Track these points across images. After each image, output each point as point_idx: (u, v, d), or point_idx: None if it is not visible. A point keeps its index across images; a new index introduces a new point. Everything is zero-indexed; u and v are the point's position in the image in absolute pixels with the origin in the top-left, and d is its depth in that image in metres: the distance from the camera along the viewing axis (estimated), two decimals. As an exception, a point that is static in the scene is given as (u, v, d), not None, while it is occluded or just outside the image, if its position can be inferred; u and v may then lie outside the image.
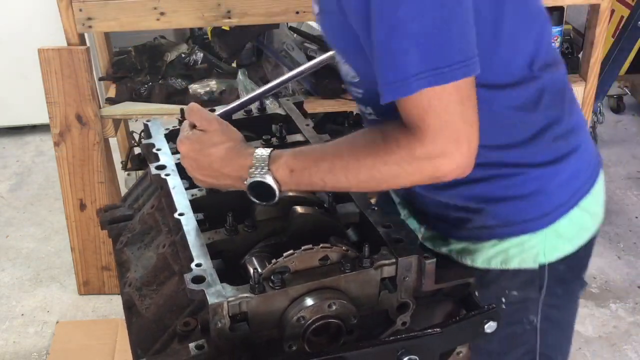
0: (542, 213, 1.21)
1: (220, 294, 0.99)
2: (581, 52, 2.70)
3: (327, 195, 1.25)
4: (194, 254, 1.08)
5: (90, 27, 2.37)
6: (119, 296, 1.22)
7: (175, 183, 1.25)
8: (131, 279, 1.20)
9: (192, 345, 1.00)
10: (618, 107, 3.92)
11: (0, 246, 3.05)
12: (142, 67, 2.72)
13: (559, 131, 1.20)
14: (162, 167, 1.29)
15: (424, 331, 1.07)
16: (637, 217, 3.13)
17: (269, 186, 1.08)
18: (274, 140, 1.37)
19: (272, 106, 1.51)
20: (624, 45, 3.16)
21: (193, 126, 1.17)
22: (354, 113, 2.78)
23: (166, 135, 1.40)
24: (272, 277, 1.02)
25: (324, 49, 2.54)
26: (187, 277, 1.02)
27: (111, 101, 2.59)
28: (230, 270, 1.12)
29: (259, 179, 1.08)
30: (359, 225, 1.22)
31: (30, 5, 3.52)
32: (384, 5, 0.98)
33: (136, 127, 2.97)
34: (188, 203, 1.20)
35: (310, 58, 2.61)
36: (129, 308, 1.16)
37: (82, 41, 2.42)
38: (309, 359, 1.03)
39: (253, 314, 1.01)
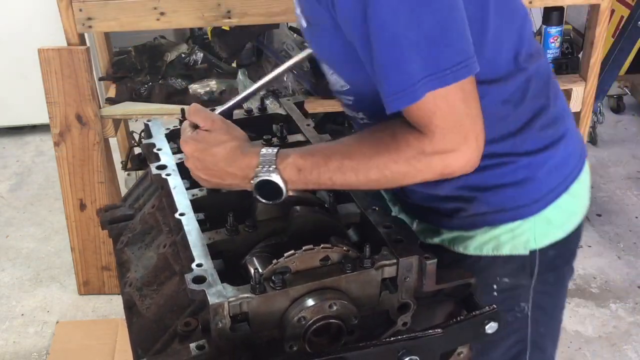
0: (533, 199, 1.24)
1: (221, 294, 0.99)
2: (581, 52, 2.70)
3: (327, 195, 1.25)
4: (194, 254, 1.08)
5: (90, 27, 2.37)
6: (119, 296, 1.22)
7: (176, 183, 1.25)
8: (132, 279, 1.20)
9: (192, 345, 1.00)
10: (618, 107, 3.92)
11: (0, 246, 3.05)
12: (142, 67, 2.72)
13: (546, 119, 1.23)
14: (163, 167, 1.29)
15: (425, 332, 1.07)
16: (637, 217, 3.13)
17: (276, 185, 1.09)
18: (274, 140, 1.37)
19: (272, 106, 1.51)
20: (624, 45, 3.16)
21: (195, 126, 1.16)
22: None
23: (167, 135, 1.40)
24: (272, 278, 1.02)
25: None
26: (188, 277, 1.02)
27: (111, 101, 2.59)
28: (231, 270, 1.12)
29: (266, 178, 1.09)
30: (360, 226, 1.22)
31: (30, 5, 3.52)
32: (383, 18, 0.99)
33: (136, 127, 2.97)
34: (189, 203, 1.20)
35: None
36: (130, 308, 1.16)
37: (82, 41, 2.42)
38: (309, 359, 1.03)
39: (254, 314, 1.01)
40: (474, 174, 1.13)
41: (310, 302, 1.02)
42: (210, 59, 2.76)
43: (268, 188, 1.09)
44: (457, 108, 1.03)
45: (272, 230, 1.17)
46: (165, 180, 1.26)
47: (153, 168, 1.29)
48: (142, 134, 1.51)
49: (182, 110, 1.39)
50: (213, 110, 1.29)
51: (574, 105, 2.68)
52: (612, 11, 3.41)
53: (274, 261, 1.03)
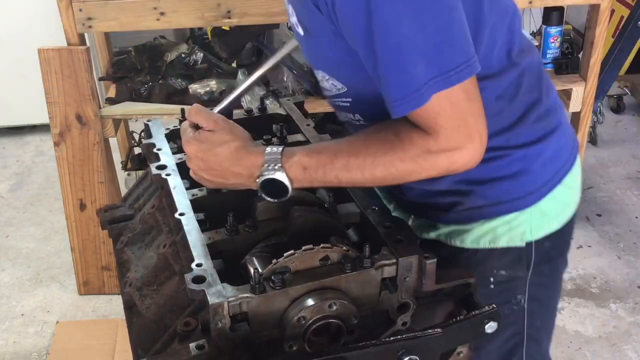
0: (528, 191, 1.26)
1: (220, 294, 0.99)
2: (581, 52, 2.70)
3: (327, 195, 1.25)
4: (194, 254, 1.08)
5: (90, 27, 2.37)
6: (119, 296, 1.22)
7: (175, 183, 1.25)
8: (132, 279, 1.20)
9: (192, 345, 1.00)
10: (618, 107, 3.92)
11: (0, 246, 3.05)
12: (142, 67, 2.72)
13: (540, 112, 1.25)
14: (163, 167, 1.29)
15: (425, 331, 1.07)
16: (637, 217, 3.13)
17: (282, 183, 1.10)
18: (274, 140, 1.37)
19: (272, 106, 1.51)
20: (624, 45, 3.16)
21: (195, 127, 1.16)
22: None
23: (166, 135, 1.40)
24: (272, 277, 1.02)
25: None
26: (188, 277, 1.02)
27: (111, 101, 2.59)
28: (231, 270, 1.12)
29: (271, 176, 1.09)
30: (360, 226, 1.22)
31: (30, 5, 3.51)
32: (388, 24, 1.00)
33: (136, 127, 2.97)
34: (189, 203, 1.20)
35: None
36: (130, 308, 1.16)
37: (82, 41, 2.42)
38: (309, 359, 1.03)
39: (253, 314, 1.01)
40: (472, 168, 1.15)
41: (310, 301, 1.02)
42: (210, 59, 2.76)
43: (273, 186, 1.10)
44: (461, 107, 1.05)
45: (272, 230, 1.17)
46: (165, 180, 1.26)
47: (153, 168, 1.29)
48: (142, 134, 1.51)
49: (182, 110, 1.39)
50: (211, 110, 1.29)
51: (574, 105, 2.68)
52: (612, 11, 3.42)
53: (274, 261, 1.03)
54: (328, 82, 1.22)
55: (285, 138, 1.38)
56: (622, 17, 3.39)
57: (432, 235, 1.33)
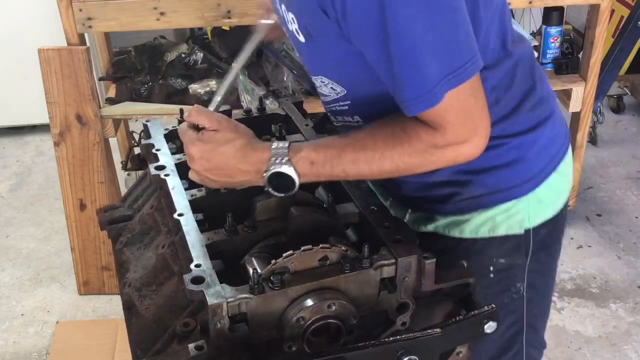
0: (525, 179, 1.28)
1: (219, 295, 0.99)
2: (581, 52, 2.70)
3: (326, 195, 1.25)
4: (193, 254, 1.08)
5: (90, 27, 2.37)
6: (119, 296, 1.22)
7: (174, 183, 1.25)
8: (131, 280, 1.20)
9: (191, 345, 1.00)
10: (618, 107, 3.92)
11: (0, 246, 3.05)
12: (142, 67, 2.72)
13: (534, 101, 1.27)
14: (162, 168, 1.29)
15: (424, 331, 1.07)
16: (637, 217, 3.13)
17: (289, 177, 1.11)
18: (273, 140, 1.37)
19: (271, 106, 1.51)
20: (624, 45, 3.16)
21: (196, 128, 1.16)
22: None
23: (166, 136, 1.40)
24: (271, 278, 1.02)
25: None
26: (187, 277, 1.02)
27: (111, 101, 2.59)
28: (230, 270, 1.12)
29: (279, 170, 1.11)
30: (359, 226, 1.22)
31: (30, 5, 3.51)
32: (401, 27, 1.01)
33: (136, 127, 2.97)
34: (187, 203, 1.20)
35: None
36: (129, 308, 1.16)
37: (82, 41, 2.42)
38: (308, 359, 1.03)
39: (252, 314, 1.01)
40: None
41: (309, 302, 1.02)
42: (210, 59, 2.76)
43: (280, 181, 1.12)
44: (467, 103, 1.08)
45: (271, 231, 1.17)
46: (164, 181, 1.26)
47: (152, 168, 1.29)
48: (142, 134, 1.51)
49: (182, 111, 1.39)
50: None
51: (574, 105, 2.68)
52: (612, 11, 3.41)
53: (273, 261, 1.03)
54: (327, 87, 1.23)
55: (284, 138, 1.38)
56: (622, 17, 3.39)
57: (430, 227, 1.34)
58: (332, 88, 1.22)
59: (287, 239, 1.15)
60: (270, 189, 1.12)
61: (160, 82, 2.64)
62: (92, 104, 2.45)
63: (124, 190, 2.77)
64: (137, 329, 1.12)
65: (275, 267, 1.03)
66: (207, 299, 0.98)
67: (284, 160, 1.10)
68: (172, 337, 1.05)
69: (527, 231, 1.31)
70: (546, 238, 1.34)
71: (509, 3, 2.42)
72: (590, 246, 2.96)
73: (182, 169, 1.25)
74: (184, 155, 1.25)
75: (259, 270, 1.03)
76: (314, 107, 2.46)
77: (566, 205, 1.38)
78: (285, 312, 1.03)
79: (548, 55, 2.74)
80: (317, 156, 1.12)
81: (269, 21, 1.43)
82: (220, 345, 1.00)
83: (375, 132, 1.13)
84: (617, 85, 3.74)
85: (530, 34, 3.02)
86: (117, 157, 2.87)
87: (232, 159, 1.12)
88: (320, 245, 1.05)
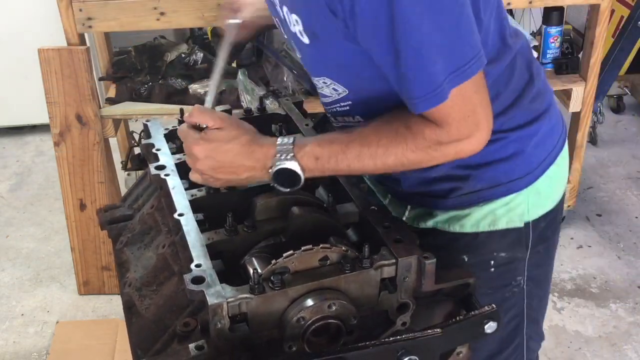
0: (525, 172, 1.29)
1: (219, 295, 0.99)
2: (581, 52, 2.70)
3: (326, 195, 1.25)
4: (193, 254, 1.08)
5: (90, 27, 2.37)
6: (119, 296, 1.22)
7: (174, 183, 1.25)
8: (131, 279, 1.20)
9: (192, 345, 1.00)
10: (618, 107, 3.92)
11: (0, 246, 3.05)
12: (142, 67, 2.72)
13: (532, 93, 1.28)
14: (162, 167, 1.29)
15: (424, 332, 1.07)
16: (637, 217, 3.13)
17: (294, 173, 1.12)
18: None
19: (272, 106, 1.51)
20: (624, 45, 3.16)
21: (198, 128, 1.15)
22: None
23: (166, 135, 1.40)
24: (271, 278, 1.02)
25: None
26: (187, 277, 1.02)
27: (111, 101, 2.59)
28: (230, 270, 1.12)
29: (285, 166, 1.12)
30: (359, 226, 1.22)
31: (30, 5, 3.51)
32: (409, 25, 1.02)
33: (136, 127, 2.97)
34: (188, 203, 1.20)
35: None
36: (129, 308, 1.16)
37: (82, 41, 2.42)
38: (309, 359, 1.03)
39: (253, 314, 1.01)
40: None
41: (309, 302, 1.02)
42: (210, 59, 2.76)
43: (286, 176, 1.13)
44: (472, 99, 1.09)
45: (271, 231, 1.17)
46: (164, 181, 1.26)
47: (152, 168, 1.29)
48: (142, 134, 1.51)
49: (182, 111, 1.39)
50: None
51: (574, 105, 2.68)
52: (612, 11, 3.41)
53: (273, 261, 1.03)
54: (329, 88, 1.24)
55: (286, 137, 1.38)
56: (622, 17, 3.39)
57: (430, 223, 1.34)
58: (334, 89, 1.23)
59: (288, 239, 1.15)
60: (275, 184, 1.14)
61: (160, 82, 2.64)
62: (92, 104, 2.45)
63: (124, 190, 2.77)
64: (138, 328, 1.12)
65: (275, 267, 1.03)
66: (208, 298, 0.98)
67: (289, 156, 1.12)
68: (173, 337, 1.04)
69: (527, 224, 1.32)
70: (545, 230, 1.36)
71: (508, 3, 2.44)
72: (590, 246, 2.96)
73: (182, 169, 1.25)
74: (184, 155, 1.25)
75: (259, 270, 1.03)
76: (314, 107, 2.46)
77: (563, 197, 1.40)
78: (286, 312, 1.03)
79: (548, 55, 2.74)
80: (321, 151, 1.13)
81: (237, 21, 1.44)
82: (221, 345, 1.00)
83: (379, 128, 1.14)
84: (617, 85, 3.74)
85: (530, 34, 3.02)
86: (117, 157, 2.87)
87: (238, 155, 1.13)
88: (321, 245, 1.05)
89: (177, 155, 1.33)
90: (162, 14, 2.34)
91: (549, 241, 1.40)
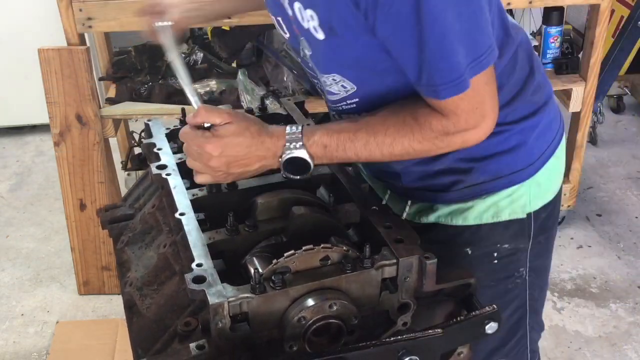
0: (527, 164, 1.31)
1: (221, 294, 0.99)
2: (581, 52, 2.70)
3: (327, 195, 1.25)
4: (194, 253, 1.08)
5: (90, 27, 2.36)
6: (119, 296, 1.22)
7: (176, 183, 1.25)
8: (132, 279, 1.20)
9: (192, 345, 1.00)
10: (618, 107, 3.92)
11: (0, 246, 3.05)
12: (142, 67, 2.72)
13: (533, 86, 1.30)
14: (163, 167, 1.29)
15: (425, 332, 1.07)
16: (637, 217, 3.13)
17: (304, 160, 1.14)
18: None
19: (272, 106, 1.51)
20: (624, 45, 3.16)
21: (201, 128, 1.15)
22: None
23: (167, 135, 1.40)
24: (272, 278, 1.02)
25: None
26: (188, 277, 1.02)
27: (111, 101, 2.59)
28: (231, 270, 1.12)
29: (294, 155, 1.14)
30: (360, 226, 1.22)
31: (30, 5, 3.51)
32: (434, 15, 1.03)
33: (136, 127, 2.97)
34: (189, 203, 1.20)
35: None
36: (130, 308, 1.16)
37: (82, 41, 2.42)
38: (309, 359, 1.03)
39: (254, 314, 1.01)
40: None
41: (310, 302, 1.02)
42: (210, 59, 2.76)
43: (295, 164, 1.15)
44: (482, 91, 1.11)
45: (272, 230, 1.17)
46: (166, 180, 1.26)
47: (153, 168, 1.29)
48: (143, 134, 1.50)
49: (183, 110, 1.39)
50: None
51: (574, 105, 2.68)
52: (612, 11, 3.41)
53: (274, 261, 1.03)
54: (337, 85, 1.24)
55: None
56: (622, 17, 3.39)
57: (432, 218, 1.35)
58: (342, 86, 1.23)
59: (289, 238, 1.15)
60: (285, 173, 1.16)
61: (160, 82, 2.64)
62: (92, 104, 2.45)
63: (124, 190, 2.77)
64: (138, 328, 1.11)
65: (276, 267, 1.03)
66: (209, 298, 0.98)
67: (298, 145, 1.14)
68: (173, 337, 1.04)
69: (529, 215, 1.33)
70: (546, 221, 1.37)
71: (508, 3, 2.44)
72: (590, 246, 2.96)
73: (184, 169, 1.25)
74: (184, 154, 1.24)
75: (260, 270, 1.03)
76: (314, 107, 2.46)
77: (561, 189, 1.42)
78: (287, 312, 1.03)
79: (548, 55, 2.74)
80: (330, 140, 1.15)
81: (167, 23, 1.42)
82: (221, 345, 1.00)
83: (387, 118, 1.16)
84: (617, 85, 3.74)
85: (530, 34, 3.02)
86: (117, 157, 2.87)
87: (251, 146, 1.14)
88: (322, 245, 1.05)
89: (179, 155, 1.33)
90: (162, 13, 2.34)
91: (549, 231, 1.41)
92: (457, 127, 1.13)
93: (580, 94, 2.65)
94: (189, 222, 1.15)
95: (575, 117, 2.75)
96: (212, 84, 2.61)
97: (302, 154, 1.14)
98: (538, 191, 1.33)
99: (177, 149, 1.37)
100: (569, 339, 2.50)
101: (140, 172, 2.50)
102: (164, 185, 1.26)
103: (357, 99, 1.25)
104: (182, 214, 1.17)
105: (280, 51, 2.71)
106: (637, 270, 2.82)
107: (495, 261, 1.35)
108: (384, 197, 1.42)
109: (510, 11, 3.19)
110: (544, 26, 2.74)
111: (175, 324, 1.05)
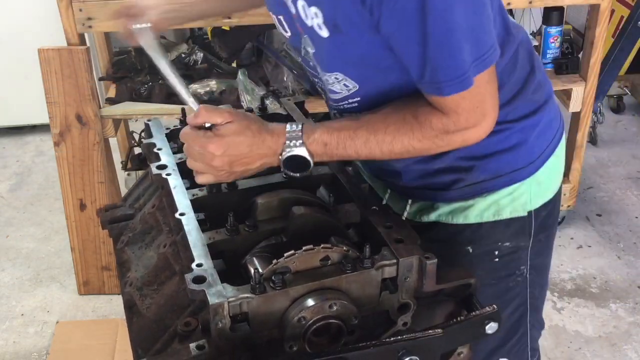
0: (527, 162, 1.31)
1: (221, 294, 0.99)
2: (581, 52, 2.70)
3: (327, 195, 1.25)
4: (194, 254, 1.08)
5: (90, 27, 2.36)
6: (119, 296, 1.22)
7: (176, 183, 1.25)
8: (132, 279, 1.20)
9: (192, 345, 1.00)
10: (618, 107, 3.92)
11: (0, 246, 3.05)
12: (142, 67, 2.72)
13: (534, 84, 1.30)
14: (163, 167, 1.29)
15: (425, 332, 1.07)
16: (637, 217, 3.13)
17: (304, 158, 1.15)
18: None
19: (272, 106, 1.51)
20: (624, 45, 3.16)
21: (202, 128, 1.15)
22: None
23: (167, 135, 1.40)
24: (272, 278, 1.02)
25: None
26: (188, 277, 1.02)
27: (111, 101, 2.59)
28: (231, 270, 1.12)
29: (295, 153, 1.14)
30: (360, 226, 1.22)
31: (30, 5, 3.51)
32: (440, 11, 1.04)
33: (136, 127, 2.97)
34: (189, 203, 1.20)
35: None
36: (130, 308, 1.16)
37: (82, 41, 2.42)
38: (309, 359, 1.03)
39: (254, 314, 1.01)
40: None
41: (310, 302, 1.02)
42: (210, 59, 2.76)
43: (296, 162, 1.15)
44: (483, 90, 1.12)
45: (272, 230, 1.17)
46: (166, 180, 1.26)
47: (153, 168, 1.29)
48: (143, 134, 1.50)
49: (183, 110, 1.39)
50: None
51: (574, 105, 2.68)
52: (612, 11, 3.41)
53: (274, 261, 1.03)
54: (340, 84, 1.24)
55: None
56: (622, 17, 3.39)
57: (433, 216, 1.35)
58: (345, 85, 1.23)
59: (289, 238, 1.15)
60: (286, 170, 1.16)
61: (160, 82, 2.63)
62: (92, 104, 2.45)
63: (124, 190, 2.77)
64: (138, 328, 1.11)
65: (276, 267, 1.03)
66: (209, 298, 0.98)
67: (298, 143, 1.14)
68: (173, 337, 1.04)
69: (529, 213, 1.34)
70: (546, 219, 1.38)
71: (508, 3, 2.44)
72: (590, 246, 2.96)
73: (184, 169, 1.25)
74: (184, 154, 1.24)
75: (260, 270, 1.03)
76: (314, 107, 2.46)
77: (561, 187, 1.42)
78: (287, 312, 1.03)
79: (548, 55, 2.74)
80: (330, 138, 1.16)
81: (145, 25, 1.41)
82: (222, 345, 1.00)
83: (387, 116, 1.17)
84: (617, 85, 3.74)
85: (530, 34, 3.02)
86: (117, 157, 2.87)
87: (253, 145, 1.14)
88: (322, 245, 1.05)
89: (179, 155, 1.33)
90: (162, 13, 2.34)
91: (549, 230, 1.42)
92: (457, 126, 1.13)
93: (580, 94, 2.65)
94: (189, 222, 1.15)
95: (575, 117, 2.75)
96: (212, 84, 2.61)
97: (302, 151, 1.14)
98: (538, 189, 1.33)
99: (177, 149, 1.37)
100: (569, 339, 2.50)
101: (140, 172, 2.50)
102: (164, 185, 1.26)
103: (358, 98, 1.25)
104: (182, 214, 1.17)
105: (280, 51, 2.71)
106: (637, 270, 2.82)
107: (497, 259, 1.35)
108: (384, 197, 1.42)
109: (510, 11, 3.19)
110: (544, 26, 2.74)
111: (175, 324, 1.05)
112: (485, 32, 1.09)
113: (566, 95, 2.69)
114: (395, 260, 1.07)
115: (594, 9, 2.54)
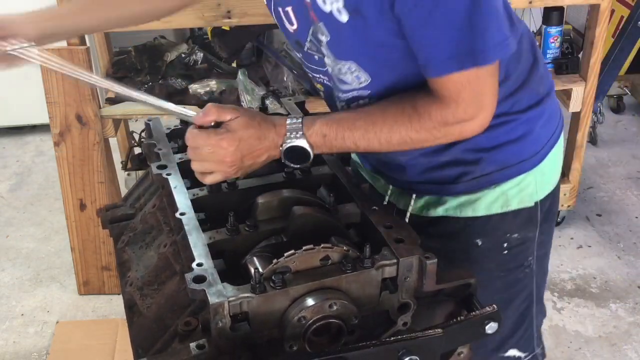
0: (533, 152, 1.32)
1: (221, 294, 0.99)
2: (581, 52, 2.70)
3: (328, 195, 1.25)
4: (195, 253, 1.08)
5: (90, 27, 2.36)
6: (119, 296, 1.22)
7: (176, 182, 1.25)
8: (132, 279, 1.20)
9: (193, 344, 1.00)
10: (618, 107, 3.92)
11: (0, 246, 3.05)
12: (142, 67, 2.72)
13: (538, 75, 1.31)
14: (164, 167, 1.29)
15: (425, 332, 1.07)
16: (637, 217, 3.13)
17: (304, 149, 1.16)
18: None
19: (272, 106, 1.51)
20: (624, 45, 3.16)
21: (204, 127, 1.15)
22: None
23: (168, 135, 1.40)
24: (273, 277, 1.02)
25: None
26: (188, 276, 1.02)
27: (111, 101, 2.59)
28: (231, 270, 1.12)
29: (295, 144, 1.16)
30: (360, 226, 1.22)
31: (30, 5, 3.50)
32: None
33: (136, 127, 2.97)
34: (189, 203, 1.20)
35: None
36: (130, 307, 1.16)
37: (82, 41, 2.41)
38: (309, 359, 1.03)
39: (254, 313, 1.01)
40: (480, 136, 1.20)
41: (310, 301, 1.02)
42: (210, 59, 2.76)
43: (296, 153, 1.17)
44: (485, 82, 1.13)
45: (272, 230, 1.18)
46: (166, 180, 1.26)
47: (154, 167, 1.29)
48: (143, 134, 1.50)
49: (183, 110, 1.39)
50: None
51: (574, 105, 2.68)
52: (612, 11, 3.41)
53: (274, 261, 1.03)
54: (352, 75, 1.23)
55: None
56: (622, 17, 3.39)
57: (440, 211, 1.35)
58: (357, 76, 1.23)
59: (289, 238, 1.15)
60: (286, 161, 1.17)
61: (160, 82, 2.64)
62: (92, 104, 2.45)
63: (124, 190, 2.77)
64: (139, 327, 1.12)
65: (276, 267, 1.03)
66: (209, 298, 0.98)
67: (298, 134, 1.16)
68: (174, 336, 1.04)
69: (536, 203, 1.35)
70: (550, 210, 1.39)
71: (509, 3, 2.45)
72: (590, 246, 2.96)
73: (184, 168, 1.25)
74: (185, 154, 1.25)
75: (260, 270, 1.03)
76: (314, 107, 2.46)
77: (560, 180, 1.43)
78: (287, 312, 1.03)
79: (548, 55, 2.74)
80: (329, 129, 1.17)
81: (27, 44, 1.31)
82: (222, 345, 1.00)
83: (386, 107, 1.18)
84: (617, 85, 3.74)
85: (530, 34, 3.02)
86: (117, 157, 2.87)
87: (258, 138, 1.15)
88: (322, 245, 1.05)
89: (179, 155, 1.33)
90: (162, 13, 2.34)
91: (551, 220, 1.43)
92: (455, 117, 1.14)
93: (580, 94, 2.65)
94: (190, 221, 1.15)
95: (575, 117, 2.75)
96: (212, 84, 2.61)
97: (302, 143, 1.16)
98: (543, 180, 1.35)
99: (178, 148, 1.37)
100: (569, 339, 2.50)
101: (140, 172, 2.51)
102: (164, 185, 1.26)
103: (369, 92, 1.25)
104: (182, 214, 1.17)
105: (280, 51, 2.71)
106: (637, 270, 2.82)
107: (505, 252, 1.36)
108: (386, 194, 1.42)
109: (510, 11, 3.19)
110: (544, 26, 2.74)
111: (176, 323, 1.05)
112: (502, 19, 1.11)
113: (566, 95, 2.69)
114: (395, 260, 1.07)
115: (594, 9, 2.54)
